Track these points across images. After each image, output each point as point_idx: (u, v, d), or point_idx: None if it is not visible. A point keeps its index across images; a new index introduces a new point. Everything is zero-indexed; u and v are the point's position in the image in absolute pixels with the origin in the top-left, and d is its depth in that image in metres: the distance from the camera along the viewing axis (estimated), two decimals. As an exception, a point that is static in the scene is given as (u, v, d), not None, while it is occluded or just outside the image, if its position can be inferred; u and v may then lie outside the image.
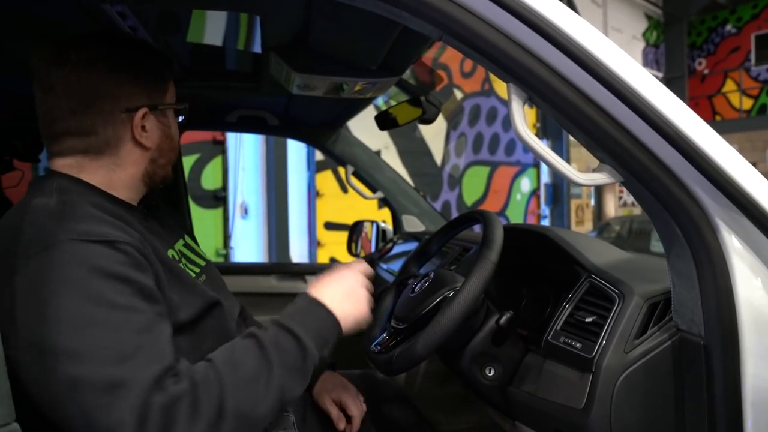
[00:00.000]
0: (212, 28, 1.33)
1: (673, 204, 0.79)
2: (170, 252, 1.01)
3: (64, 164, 0.94)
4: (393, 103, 1.94)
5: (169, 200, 2.17)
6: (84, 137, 0.93)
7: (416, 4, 0.73)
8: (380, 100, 2.36)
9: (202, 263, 1.13)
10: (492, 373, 1.04)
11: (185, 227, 1.22)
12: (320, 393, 1.29)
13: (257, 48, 1.40)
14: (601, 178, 0.82)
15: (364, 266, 1.05)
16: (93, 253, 0.78)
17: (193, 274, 1.04)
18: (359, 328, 0.98)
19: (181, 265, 1.01)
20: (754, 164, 0.78)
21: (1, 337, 0.67)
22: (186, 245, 1.12)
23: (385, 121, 1.94)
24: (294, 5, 1.07)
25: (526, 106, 0.80)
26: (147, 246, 0.88)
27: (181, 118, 1.08)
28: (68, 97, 0.90)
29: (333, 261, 6.20)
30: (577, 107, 0.76)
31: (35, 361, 0.74)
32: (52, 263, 0.76)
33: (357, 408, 1.28)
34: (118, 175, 0.97)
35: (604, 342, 0.90)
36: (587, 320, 0.96)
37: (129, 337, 0.75)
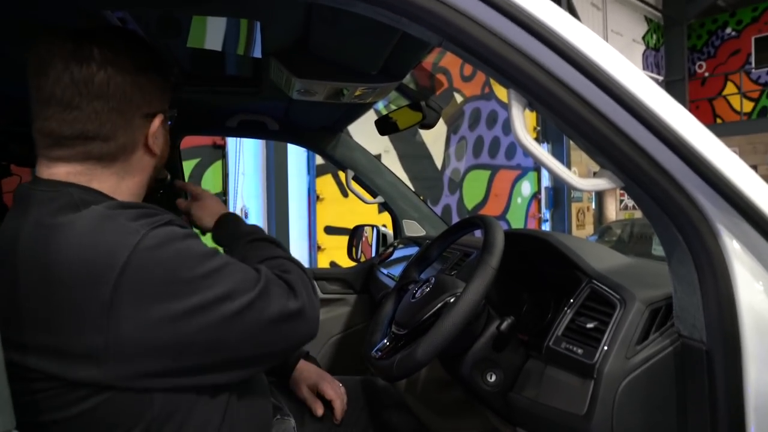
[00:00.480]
0: (213, 33, 1.32)
1: (674, 209, 0.79)
2: None
3: (70, 171, 0.87)
4: (393, 107, 1.94)
5: (168, 204, 2.17)
6: (101, 142, 0.87)
7: (415, 10, 0.73)
8: (380, 105, 2.36)
9: None
10: (493, 379, 1.04)
11: None
12: (296, 382, 1.32)
13: (257, 53, 1.40)
14: (601, 183, 0.82)
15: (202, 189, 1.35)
16: (168, 232, 0.82)
17: None
18: None
19: None
20: (755, 167, 0.78)
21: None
22: None
23: (385, 125, 1.94)
24: (294, 11, 1.07)
25: (527, 110, 0.80)
26: None
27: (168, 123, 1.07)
28: (93, 98, 0.84)
29: (333, 265, 6.19)
30: (576, 112, 0.75)
31: (184, 324, 0.78)
32: (152, 251, 0.77)
33: (334, 391, 1.29)
34: (126, 182, 0.93)
35: (605, 348, 0.90)
36: (588, 326, 0.95)
37: (242, 266, 0.88)
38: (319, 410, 1.27)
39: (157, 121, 0.93)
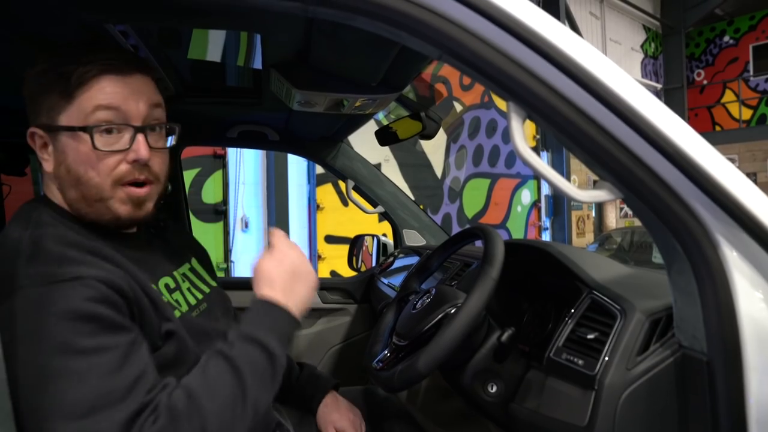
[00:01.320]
0: (213, 46, 1.33)
1: (673, 220, 0.80)
2: (164, 280, 0.97)
3: (49, 185, 0.93)
4: (393, 117, 1.95)
5: (169, 215, 2.17)
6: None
7: (415, 24, 0.74)
8: (380, 114, 2.37)
9: (207, 290, 1.08)
10: (494, 390, 1.04)
11: (196, 249, 1.17)
12: (323, 419, 1.26)
13: (258, 65, 1.41)
14: (600, 194, 0.82)
15: (286, 239, 0.97)
16: (56, 296, 0.74)
17: (186, 307, 0.98)
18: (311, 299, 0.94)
19: (173, 295, 0.97)
20: (754, 174, 0.79)
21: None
22: (192, 269, 1.09)
23: (385, 136, 1.95)
24: (294, 24, 1.07)
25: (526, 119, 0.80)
26: (124, 277, 0.82)
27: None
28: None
29: (334, 274, 6.19)
30: (576, 125, 0.76)
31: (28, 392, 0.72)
32: (14, 311, 0.73)
33: None
34: (59, 198, 0.92)
35: (606, 359, 0.90)
36: (589, 337, 0.95)
37: (97, 383, 0.72)
38: None
39: (29, 133, 0.90)
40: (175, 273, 1.02)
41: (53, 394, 0.70)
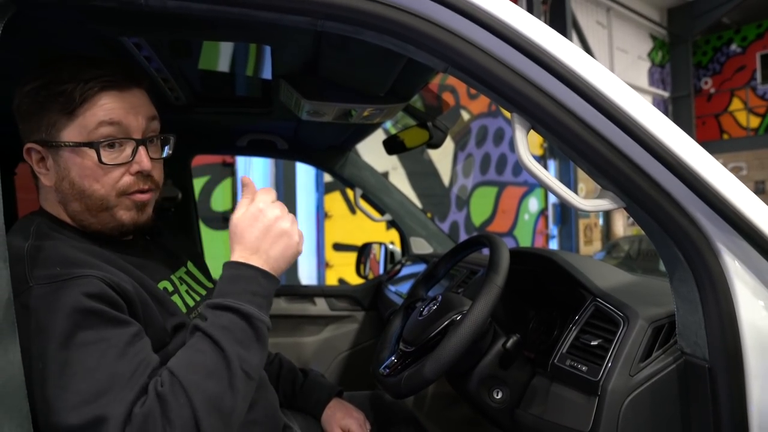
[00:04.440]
0: (224, 56, 1.36)
1: (675, 229, 0.81)
2: (162, 284, 0.98)
3: (41, 198, 0.96)
4: (400, 126, 1.97)
5: (179, 222, 2.20)
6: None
7: (421, 38, 0.76)
8: (388, 123, 2.39)
9: (203, 292, 1.11)
10: (499, 396, 1.05)
11: (191, 252, 1.19)
12: (328, 421, 1.30)
13: (267, 75, 1.43)
14: (603, 204, 0.84)
15: (271, 192, 0.93)
16: (59, 294, 0.77)
17: (185, 309, 1.00)
18: (296, 258, 0.92)
19: (172, 298, 0.98)
20: (762, 183, 0.80)
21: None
22: (188, 272, 1.11)
23: (393, 145, 1.97)
24: (304, 37, 1.10)
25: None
26: (128, 280, 0.86)
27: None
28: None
29: (342, 282, 6.20)
30: (579, 136, 0.78)
31: (43, 376, 0.75)
32: (22, 311, 0.76)
33: None
34: (58, 210, 0.95)
35: (609, 365, 0.91)
36: (593, 343, 0.97)
37: (101, 372, 0.75)
38: None
39: (25, 148, 0.92)
40: (172, 277, 1.04)
41: (60, 385, 0.73)
